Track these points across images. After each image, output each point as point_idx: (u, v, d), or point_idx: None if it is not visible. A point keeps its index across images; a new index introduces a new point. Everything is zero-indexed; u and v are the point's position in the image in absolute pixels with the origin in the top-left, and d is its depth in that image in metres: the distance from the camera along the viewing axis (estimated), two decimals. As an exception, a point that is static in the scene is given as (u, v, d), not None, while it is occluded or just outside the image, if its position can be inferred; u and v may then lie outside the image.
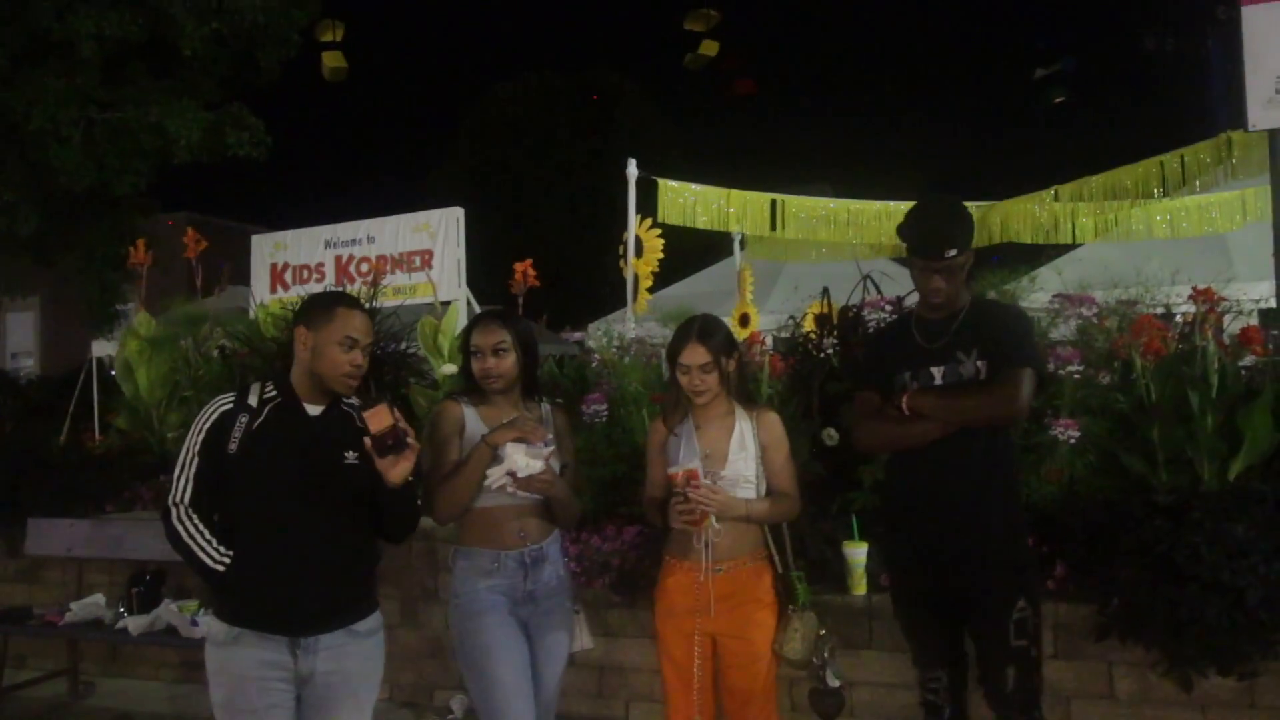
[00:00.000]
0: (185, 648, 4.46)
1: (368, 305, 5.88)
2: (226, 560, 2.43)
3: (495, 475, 2.71)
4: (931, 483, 2.71)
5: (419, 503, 2.63)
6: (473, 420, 2.85)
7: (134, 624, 4.49)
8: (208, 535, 2.44)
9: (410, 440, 2.41)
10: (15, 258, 11.73)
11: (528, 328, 2.96)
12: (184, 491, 2.46)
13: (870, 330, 4.40)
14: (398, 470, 2.40)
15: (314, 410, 2.54)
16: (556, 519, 2.92)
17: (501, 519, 2.80)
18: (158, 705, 4.99)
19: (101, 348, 9.23)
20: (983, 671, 2.71)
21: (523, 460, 2.68)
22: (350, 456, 2.49)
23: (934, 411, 2.66)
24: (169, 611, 4.50)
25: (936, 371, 2.73)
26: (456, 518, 2.80)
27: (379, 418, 2.37)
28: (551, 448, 2.77)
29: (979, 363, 2.67)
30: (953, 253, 2.70)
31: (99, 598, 4.94)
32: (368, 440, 2.37)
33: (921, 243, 2.76)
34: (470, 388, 2.93)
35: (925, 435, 2.69)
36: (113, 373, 7.10)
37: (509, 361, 2.84)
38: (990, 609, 2.66)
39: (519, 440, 2.69)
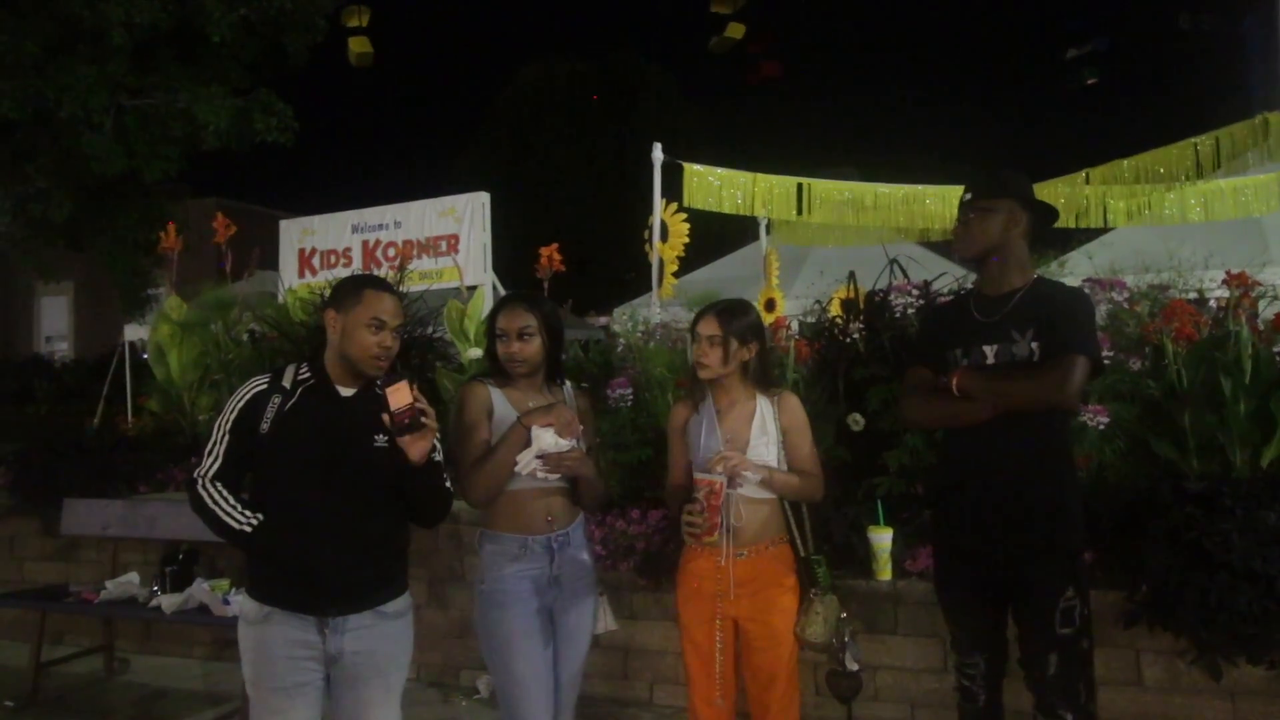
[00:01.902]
0: (217, 626, 4.53)
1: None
2: (254, 522, 2.45)
3: (524, 460, 2.71)
4: (983, 462, 2.65)
5: (449, 486, 2.63)
6: (500, 402, 2.84)
7: (167, 602, 4.56)
8: (233, 502, 2.47)
9: (427, 420, 2.43)
10: (49, 243, 11.91)
11: (553, 310, 2.95)
12: (211, 468, 2.49)
13: (898, 315, 4.37)
14: (416, 449, 2.44)
15: (346, 392, 2.56)
16: (582, 500, 2.92)
17: (529, 502, 2.79)
18: (190, 682, 5.08)
19: (134, 331, 9.37)
20: (1024, 657, 2.67)
21: (551, 439, 2.69)
22: (380, 439, 2.51)
23: (983, 393, 2.61)
24: (201, 590, 4.56)
25: (989, 350, 2.67)
26: (492, 500, 2.79)
27: (398, 395, 2.40)
28: (578, 444, 2.78)
29: (1033, 344, 2.61)
30: (968, 195, 2.75)
31: (133, 576, 5.03)
32: (386, 416, 2.40)
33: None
34: (495, 369, 2.93)
35: (974, 415, 2.63)
36: (145, 356, 7.21)
37: (534, 346, 2.84)
38: (1037, 595, 2.60)
39: (548, 425, 2.71)
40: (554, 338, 2.90)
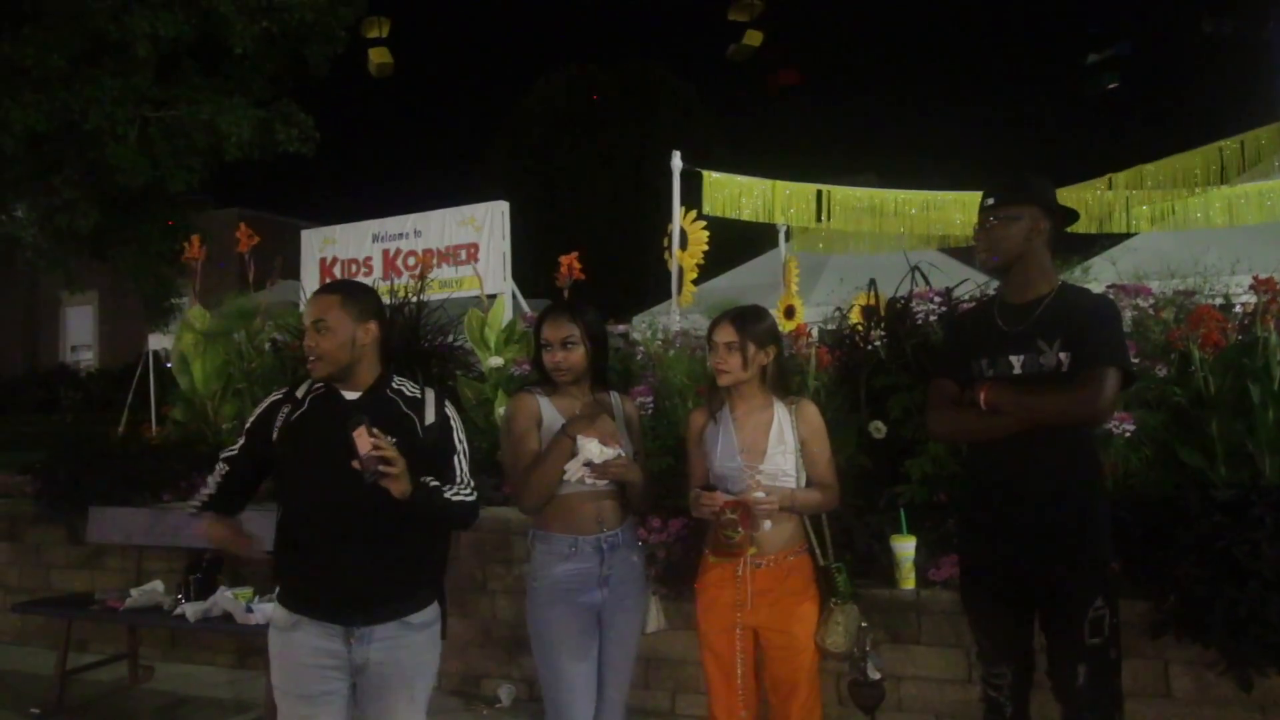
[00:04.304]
0: (241, 634, 4.56)
1: (414, 299, 5.97)
2: (197, 505, 2.63)
3: (573, 469, 2.79)
4: (1010, 474, 2.62)
5: (459, 499, 2.55)
6: (548, 411, 2.91)
7: (191, 610, 4.58)
8: (213, 483, 2.62)
9: (387, 469, 2.31)
10: (74, 253, 12.05)
11: (596, 319, 2.99)
12: (229, 451, 2.64)
13: (920, 322, 4.34)
14: (395, 488, 2.35)
15: (351, 395, 2.56)
16: (631, 503, 2.99)
17: (580, 504, 2.87)
18: (214, 690, 5.10)
19: (157, 341, 9.46)
20: (1052, 668, 2.63)
21: (597, 448, 2.76)
22: (390, 441, 2.43)
23: (1012, 408, 2.57)
24: (225, 598, 4.59)
25: (1015, 360, 2.62)
26: (542, 507, 2.88)
27: (360, 441, 2.31)
28: (621, 451, 2.83)
29: (1061, 354, 2.56)
30: (990, 201, 2.69)
31: (157, 584, 5.06)
32: (355, 463, 2.31)
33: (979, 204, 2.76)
34: (542, 378, 3.00)
35: (1002, 429, 2.60)
36: (169, 365, 7.28)
37: (577, 355, 2.90)
38: (1065, 605, 2.57)
39: (592, 435, 2.77)
40: (597, 345, 2.96)
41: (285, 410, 2.56)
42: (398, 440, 2.41)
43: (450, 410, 2.68)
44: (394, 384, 2.63)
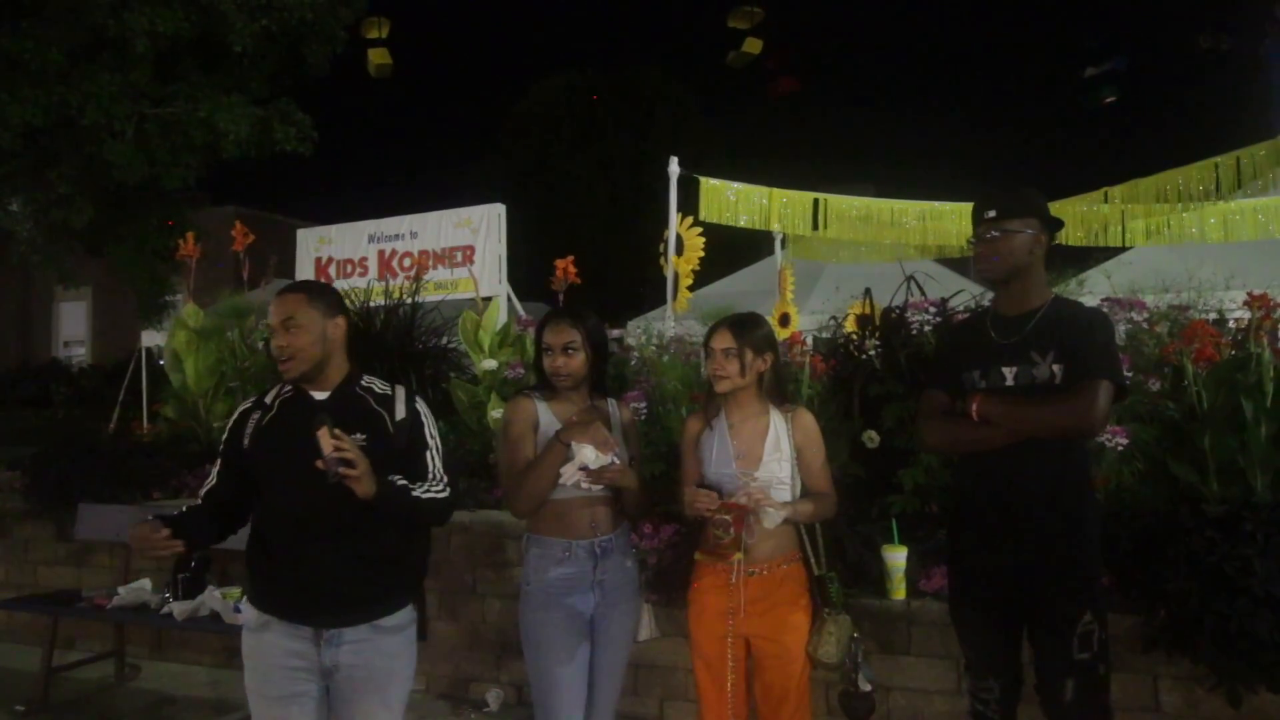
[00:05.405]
0: (228, 634, 4.53)
1: (409, 300, 5.96)
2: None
3: (569, 472, 2.79)
4: (1000, 486, 2.62)
5: (429, 496, 2.52)
6: (545, 415, 2.92)
7: (179, 609, 4.57)
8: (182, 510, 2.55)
9: (347, 470, 2.29)
10: (69, 249, 12.01)
11: (598, 326, 3.00)
12: (206, 485, 2.61)
13: (915, 332, 4.34)
14: (359, 489, 2.33)
15: (320, 395, 2.54)
16: (626, 509, 2.99)
17: (573, 509, 2.87)
18: (200, 689, 5.08)
19: (151, 338, 9.44)
20: (1040, 682, 2.63)
21: (593, 453, 2.75)
22: (359, 438, 2.41)
23: (1003, 420, 2.57)
24: (213, 598, 4.57)
25: (1008, 371, 2.62)
26: (535, 511, 2.88)
27: (322, 441, 2.30)
28: (616, 458, 2.83)
29: (1054, 366, 2.56)
30: (992, 214, 2.66)
31: (145, 582, 5.03)
32: (319, 463, 2.30)
33: (972, 215, 2.74)
34: (542, 383, 3.00)
35: (993, 440, 2.60)
36: (161, 362, 7.26)
37: (578, 360, 2.90)
38: (1054, 619, 2.56)
39: (586, 441, 2.77)
40: (598, 352, 2.97)
41: (255, 417, 2.56)
42: (368, 437, 2.42)
43: (421, 406, 2.65)
44: (363, 381, 2.61)
